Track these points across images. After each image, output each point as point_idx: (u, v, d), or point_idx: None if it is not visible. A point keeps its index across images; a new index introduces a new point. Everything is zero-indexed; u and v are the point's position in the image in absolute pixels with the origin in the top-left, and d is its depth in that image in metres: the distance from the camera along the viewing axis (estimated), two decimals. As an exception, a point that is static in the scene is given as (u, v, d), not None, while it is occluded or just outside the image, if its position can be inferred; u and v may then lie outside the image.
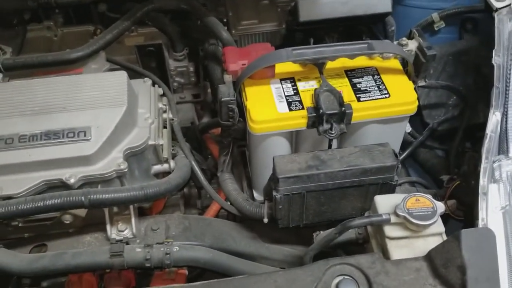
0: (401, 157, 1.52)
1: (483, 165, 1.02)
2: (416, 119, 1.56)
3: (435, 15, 1.58)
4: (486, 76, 1.20)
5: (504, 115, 1.06)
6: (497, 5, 1.22)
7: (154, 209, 1.47)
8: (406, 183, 1.49)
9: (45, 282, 1.32)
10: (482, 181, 1.01)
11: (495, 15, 1.21)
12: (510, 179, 1.00)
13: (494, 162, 1.02)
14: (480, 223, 0.99)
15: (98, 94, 1.22)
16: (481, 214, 0.99)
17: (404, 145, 1.54)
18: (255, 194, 1.46)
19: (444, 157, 1.52)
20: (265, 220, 1.28)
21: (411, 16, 1.64)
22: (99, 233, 1.27)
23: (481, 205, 1.00)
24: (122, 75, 1.26)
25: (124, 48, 1.71)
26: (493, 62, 1.11)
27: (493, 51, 1.12)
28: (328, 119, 1.18)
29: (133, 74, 1.56)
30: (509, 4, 1.22)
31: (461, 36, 1.63)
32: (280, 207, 1.19)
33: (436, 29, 1.60)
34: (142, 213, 1.36)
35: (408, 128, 1.52)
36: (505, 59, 1.10)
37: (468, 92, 1.43)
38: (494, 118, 1.06)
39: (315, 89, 1.22)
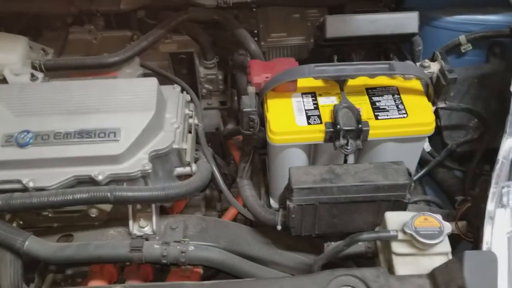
0: (418, 175, 1.54)
1: (492, 189, 1.04)
2: (437, 139, 1.58)
3: (462, 38, 1.59)
4: (508, 100, 1.21)
5: (517, 142, 1.07)
6: (520, 33, 1.24)
7: (175, 209, 1.55)
8: (421, 201, 1.51)
9: (69, 270, 1.41)
10: (490, 205, 1.03)
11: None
12: (517, 206, 1.02)
13: (503, 187, 1.04)
14: (485, 246, 1.01)
15: (129, 98, 1.30)
16: (486, 237, 1.01)
17: (423, 163, 1.56)
18: (272, 201, 1.51)
19: (462, 178, 1.53)
20: (279, 227, 1.33)
21: (438, 37, 1.65)
22: (122, 227, 1.35)
23: (487, 228, 1.02)
24: (153, 81, 1.34)
25: (158, 54, 1.80)
26: (511, 89, 1.13)
27: (512, 78, 1.14)
28: (345, 135, 1.22)
29: (164, 80, 1.65)
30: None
31: (488, 60, 1.63)
32: (293, 216, 1.24)
33: (463, 51, 1.60)
34: (163, 212, 1.44)
35: (428, 147, 1.53)
36: (523, 87, 1.12)
37: (489, 116, 1.43)
38: (507, 145, 1.08)
39: (335, 105, 1.26)
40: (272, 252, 1.43)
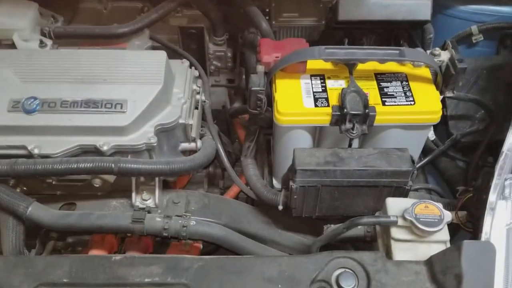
0: (421, 163, 1.54)
1: (494, 181, 1.05)
2: (442, 129, 1.58)
3: (474, 28, 1.58)
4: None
5: (524, 135, 1.08)
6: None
7: (178, 184, 1.56)
8: (423, 189, 1.52)
9: (70, 238, 1.43)
10: (492, 196, 1.04)
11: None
12: (519, 198, 1.02)
13: (506, 179, 1.05)
14: (483, 237, 1.02)
15: (137, 71, 1.29)
16: (486, 228, 1.02)
17: (426, 152, 1.56)
18: (274, 182, 1.52)
19: (464, 169, 1.54)
20: (280, 207, 1.34)
21: (451, 26, 1.64)
22: (125, 199, 1.36)
23: (487, 219, 1.02)
24: (162, 55, 1.33)
25: (168, 28, 1.78)
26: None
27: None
28: (351, 119, 1.22)
29: (173, 54, 1.64)
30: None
31: (498, 51, 1.62)
32: (295, 197, 1.25)
33: (474, 41, 1.59)
34: (166, 186, 1.45)
35: (432, 136, 1.54)
36: (533, 80, 1.11)
37: (496, 107, 1.43)
38: (511, 136, 1.08)
39: (343, 89, 1.26)
40: (272, 231, 1.44)
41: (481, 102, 1.41)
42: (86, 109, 1.24)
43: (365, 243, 1.26)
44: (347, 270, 1.05)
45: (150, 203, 1.34)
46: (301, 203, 1.28)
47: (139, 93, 1.25)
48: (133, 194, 1.34)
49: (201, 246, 1.41)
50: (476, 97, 1.41)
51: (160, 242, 1.45)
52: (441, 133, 1.58)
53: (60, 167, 1.18)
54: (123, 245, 1.41)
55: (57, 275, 1.07)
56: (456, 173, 1.54)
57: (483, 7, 1.62)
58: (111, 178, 1.32)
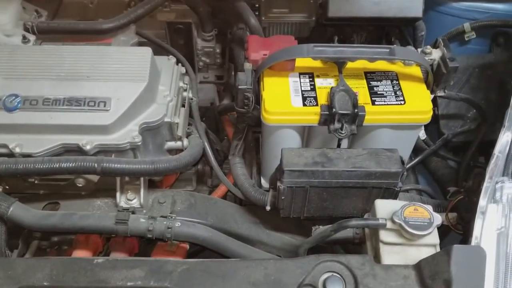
0: (411, 163, 1.52)
1: (485, 184, 1.02)
2: (433, 128, 1.56)
3: (466, 25, 1.56)
4: (509, 93, 1.19)
5: (515, 136, 1.05)
6: (527, 24, 1.21)
7: (165, 183, 1.53)
8: (413, 190, 1.50)
9: (55, 237, 1.40)
10: (482, 200, 1.01)
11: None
12: (510, 202, 1.00)
13: (497, 182, 1.02)
14: (474, 241, 0.99)
15: (121, 68, 1.26)
16: (476, 232, 1.00)
17: (417, 151, 1.54)
18: (263, 181, 1.49)
19: (456, 169, 1.52)
20: (268, 207, 1.32)
21: (443, 23, 1.62)
22: (109, 199, 1.33)
23: (478, 223, 1.00)
24: (147, 51, 1.30)
25: (155, 23, 1.75)
26: (512, 81, 1.11)
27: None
28: (340, 119, 1.19)
29: (160, 50, 1.60)
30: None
31: (491, 50, 1.60)
32: (283, 197, 1.22)
33: (466, 39, 1.57)
34: (153, 185, 1.42)
35: (423, 136, 1.52)
36: (526, 80, 1.09)
37: (488, 107, 1.41)
38: (504, 139, 1.06)
39: (332, 88, 1.23)
40: (260, 232, 1.42)
41: (472, 101, 1.39)
42: (69, 107, 1.20)
43: (354, 245, 1.24)
44: (334, 274, 1.02)
45: (135, 203, 1.31)
46: (289, 204, 1.25)
47: (123, 90, 1.22)
48: (118, 194, 1.31)
49: (187, 246, 1.38)
50: (468, 96, 1.39)
51: (146, 242, 1.42)
52: (432, 132, 1.56)
53: (41, 166, 1.15)
54: (108, 245, 1.38)
55: (37, 278, 1.04)
56: (447, 173, 1.52)
57: (476, 4, 1.60)
58: (94, 177, 1.28)
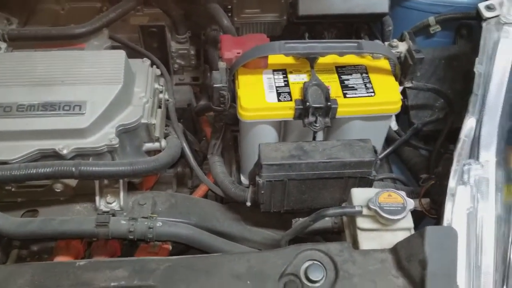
0: (384, 153, 1.57)
1: (454, 167, 1.07)
2: (404, 118, 1.61)
3: (431, 19, 1.61)
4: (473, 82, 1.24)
5: (479, 121, 1.10)
6: (487, 14, 1.27)
7: (144, 185, 1.53)
8: (388, 179, 1.54)
9: (35, 246, 1.39)
10: (451, 182, 1.06)
11: (484, 24, 1.25)
12: (477, 183, 1.05)
13: (464, 165, 1.07)
14: (445, 222, 1.04)
15: (96, 71, 1.27)
16: (447, 214, 1.04)
17: (390, 142, 1.59)
18: (242, 178, 1.51)
19: (427, 157, 1.57)
20: (248, 203, 1.34)
21: (409, 17, 1.67)
22: (89, 203, 1.33)
23: (448, 205, 1.05)
24: (121, 54, 1.31)
25: (128, 27, 1.75)
26: (475, 69, 1.16)
27: (476, 59, 1.16)
28: (314, 112, 1.23)
29: (134, 53, 1.61)
30: (498, 15, 1.25)
31: (455, 42, 1.66)
32: (262, 192, 1.25)
33: (431, 32, 1.63)
34: (132, 188, 1.42)
35: (395, 126, 1.56)
36: (486, 68, 1.15)
37: (454, 96, 1.47)
38: (469, 124, 1.11)
39: (305, 83, 1.27)
40: (242, 228, 1.44)
41: (439, 91, 1.45)
42: (44, 112, 1.20)
43: (333, 234, 1.28)
44: (315, 262, 1.05)
45: (115, 206, 1.32)
46: (269, 198, 1.28)
47: (98, 93, 1.23)
48: (97, 198, 1.31)
49: (170, 247, 1.39)
50: (435, 86, 1.45)
51: (129, 245, 1.42)
52: (403, 122, 1.61)
53: (18, 173, 1.14)
54: (90, 249, 1.38)
55: (19, 285, 1.03)
56: (419, 161, 1.57)
57: (440, -2, 1.66)
58: (72, 182, 1.28)
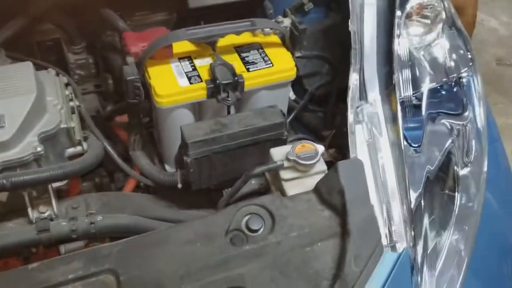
0: (288, 119, 1.74)
1: (349, 110, 1.28)
2: (299, 88, 1.81)
3: (306, -5, 1.82)
4: (349, 45, 1.46)
5: (361, 69, 1.33)
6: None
7: (70, 193, 1.55)
8: (295, 140, 1.72)
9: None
10: (349, 123, 1.27)
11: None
12: (370, 119, 1.27)
13: (357, 107, 1.28)
14: (351, 156, 1.24)
15: (6, 85, 1.28)
16: (351, 149, 1.24)
17: (291, 110, 1.78)
18: (167, 168, 1.59)
19: (324, 118, 1.79)
20: (179, 185, 1.43)
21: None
22: (21, 218, 1.32)
23: (351, 141, 1.25)
24: (28, 65, 1.33)
25: (24, 43, 1.73)
26: (349, 29, 1.38)
27: (349, 20, 1.39)
28: (225, 89, 1.36)
29: (36, 68, 1.61)
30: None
31: (327, 15, 1.90)
32: (191, 170, 1.35)
33: (306, 10, 1.84)
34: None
35: (292, 96, 1.75)
36: (358, 26, 1.38)
37: (337, 61, 1.70)
38: (354, 73, 1.32)
39: (211, 64, 1.39)
40: (175, 212, 1.52)
41: (323, 57, 1.67)
42: (-38, 131, 1.19)
43: (261, 195, 1.42)
44: (253, 214, 1.19)
45: (48, 214, 1.33)
46: (198, 176, 1.38)
47: (14, 105, 1.24)
48: (29, 210, 1.31)
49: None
50: (319, 53, 1.66)
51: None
52: (298, 91, 1.80)
53: None
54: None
55: (-28, 301, 1.03)
56: (318, 122, 1.78)
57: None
58: (3, 196, 1.28)
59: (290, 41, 1.54)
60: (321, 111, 1.82)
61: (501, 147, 1.49)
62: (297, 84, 1.74)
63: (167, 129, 1.45)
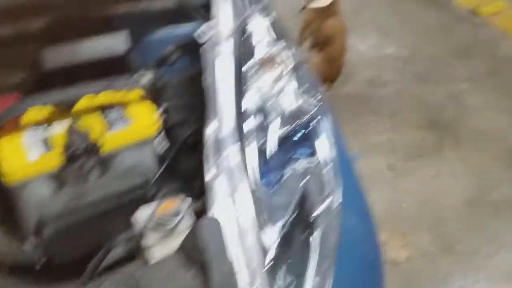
0: (159, 172, 1.65)
1: (205, 167, 1.30)
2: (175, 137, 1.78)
3: (170, 48, 1.82)
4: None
5: (218, 123, 1.37)
6: (201, 41, 1.55)
7: None
8: (166, 194, 1.66)
9: None
10: (206, 180, 1.29)
11: (201, 49, 1.52)
12: (228, 172, 1.29)
13: (216, 160, 1.31)
14: (209, 214, 1.25)
15: None
16: (209, 206, 1.25)
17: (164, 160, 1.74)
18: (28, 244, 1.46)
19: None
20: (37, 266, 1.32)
21: (152, 50, 1.86)
22: None
23: (209, 198, 1.26)
24: None
25: None
26: (202, 86, 1.41)
27: (202, 76, 1.42)
28: (80, 156, 1.32)
29: None
30: (211, 37, 1.54)
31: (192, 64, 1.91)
32: (51, 245, 1.29)
33: (173, 60, 1.84)
34: None
35: (166, 145, 1.72)
36: (212, 80, 1.42)
37: (198, 107, 1.69)
38: (208, 129, 1.35)
39: (68, 129, 1.33)
40: None
41: (192, 105, 1.65)
42: None
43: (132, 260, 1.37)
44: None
45: None
46: (58, 250, 1.31)
47: None
48: None
49: None
50: (187, 101, 1.65)
51: None
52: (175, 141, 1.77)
53: None
54: None
55: None
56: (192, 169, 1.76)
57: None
58: None
59: (154, 95, 1.53)
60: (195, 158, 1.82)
61: (353, 175, 1.54)
62: (171, 134, 1.73)
63: (21, 205, 1.35)
